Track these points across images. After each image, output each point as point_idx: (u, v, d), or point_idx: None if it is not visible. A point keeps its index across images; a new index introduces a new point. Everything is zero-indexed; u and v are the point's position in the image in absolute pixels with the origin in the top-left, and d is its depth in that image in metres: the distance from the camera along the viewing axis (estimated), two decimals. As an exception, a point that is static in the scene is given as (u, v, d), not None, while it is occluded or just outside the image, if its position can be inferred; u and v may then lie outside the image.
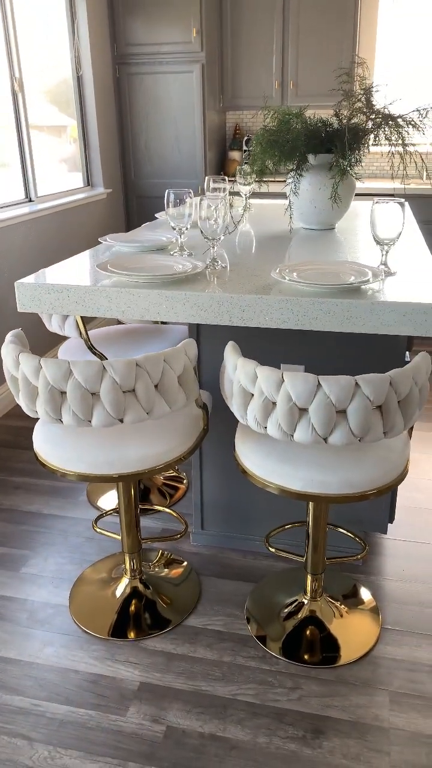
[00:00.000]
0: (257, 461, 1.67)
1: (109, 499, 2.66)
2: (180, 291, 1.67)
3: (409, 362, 1.81)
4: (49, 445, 1.74)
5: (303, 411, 1.45)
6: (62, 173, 4.26)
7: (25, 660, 1.87)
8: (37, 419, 3.38)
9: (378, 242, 1.80)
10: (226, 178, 2.47)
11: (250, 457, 1.69)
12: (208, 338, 2.06)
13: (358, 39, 4.43)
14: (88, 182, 4.60)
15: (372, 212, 1.76)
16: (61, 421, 1.57)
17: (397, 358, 1.93)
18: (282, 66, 4.57)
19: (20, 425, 3.33)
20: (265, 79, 4.64)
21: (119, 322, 2.71)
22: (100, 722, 1.68)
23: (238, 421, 2.11)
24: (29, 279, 1.80)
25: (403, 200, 1.76)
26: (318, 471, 1.59)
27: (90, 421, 1.56)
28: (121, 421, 1.56)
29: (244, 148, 4.94)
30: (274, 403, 1.47)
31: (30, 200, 3.82)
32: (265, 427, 1.52)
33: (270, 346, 2.01)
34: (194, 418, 1.84)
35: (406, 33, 4.64)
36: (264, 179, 2.51)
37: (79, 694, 1.76)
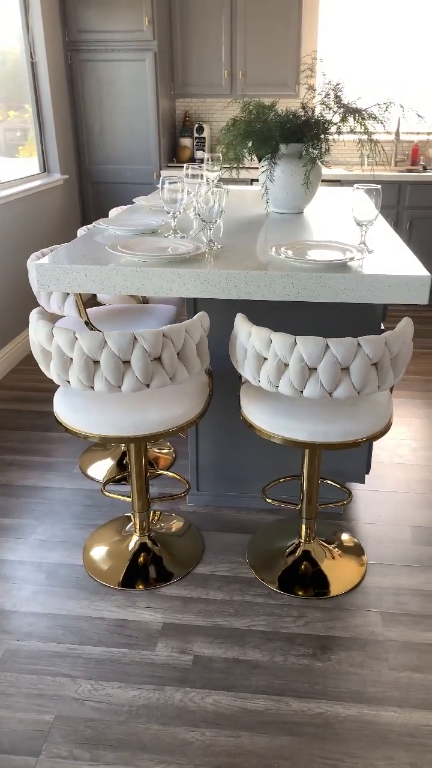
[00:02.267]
0: (264, 418, 1.89)
1: (97, 469, 2.82)
2: (191, 269, 1.86)
3: (384, 330, 2.08)
4: (73, 412, 1.90)
5: (312, 370, 1.68)
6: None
7: (52, 613, 2.04)
8: (30, 400, 3.48)
9: (358, 223, 2.05)
10: (203, 165, 2.65)
11: (258, 415, 1.91)
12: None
13: (302, 32, 4.67)
14: (45, 168, 4.65)
15: (353, 197, 2.00)
16: (93, 388, 1.74)
17: (374, 327, 2.19)
18: (231, 56, 4.76)
19: (2, 408, 3.42)
20: (214, 68, 4.82)
21: (96, 301, 2.85)
22: (133, 658, 1.87)
23: (232, 387, 2.33)
24: (47, 260, 1.94)
25: (378, 186, 2.01)
26: (320, 423, 1.83)
27: (120, 387, 1.73)
28: (148, 386, 1.74)
29: (195, 135, 5.11)
30: (286, 365, 1.70)
31: (-7, 186, 3.86)
32: (277, 386, 1.74)
33: (260, 319, 2.23)
34: (203, 384, 2.04)
35: (344, 28, 4.92)
36: (234, 166, 2.71)
37: (109, 636, 1.95)
